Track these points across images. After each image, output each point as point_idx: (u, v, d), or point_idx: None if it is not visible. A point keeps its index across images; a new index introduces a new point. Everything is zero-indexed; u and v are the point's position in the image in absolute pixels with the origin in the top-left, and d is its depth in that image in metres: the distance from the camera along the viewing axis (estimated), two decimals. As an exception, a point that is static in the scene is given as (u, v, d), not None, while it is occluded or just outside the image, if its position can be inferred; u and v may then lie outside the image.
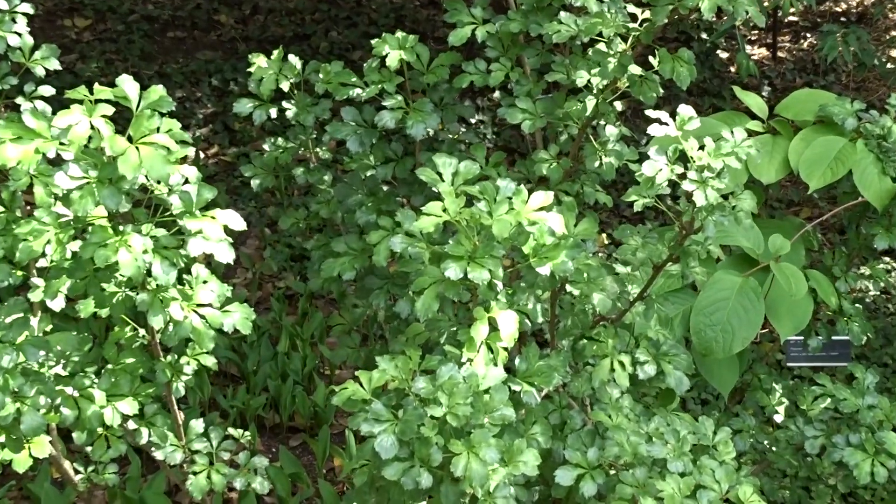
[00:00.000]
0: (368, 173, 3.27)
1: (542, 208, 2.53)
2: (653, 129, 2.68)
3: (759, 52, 8.66)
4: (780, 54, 8.55)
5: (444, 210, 2.47)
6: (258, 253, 6.44)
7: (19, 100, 2.94)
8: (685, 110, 2.70)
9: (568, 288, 2.86)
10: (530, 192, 2.59)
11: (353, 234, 3.20)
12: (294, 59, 3.35)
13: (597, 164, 3.12)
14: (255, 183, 3.38)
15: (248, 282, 6.20)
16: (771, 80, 8.17)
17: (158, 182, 2.49)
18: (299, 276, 6.14)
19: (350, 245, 3.17)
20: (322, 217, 3.42)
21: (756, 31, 8.79)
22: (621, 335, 3.06)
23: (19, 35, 3.02)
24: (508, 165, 5.30)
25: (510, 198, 2.53)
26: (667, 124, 2.67)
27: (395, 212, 2.85)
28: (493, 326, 2.58)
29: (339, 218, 3.43)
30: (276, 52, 3.33)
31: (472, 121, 7.22)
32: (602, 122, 3.13)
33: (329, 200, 3.43)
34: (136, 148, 2.34)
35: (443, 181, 2.53)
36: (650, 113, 2.73)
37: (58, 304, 2.92)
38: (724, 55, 8.37)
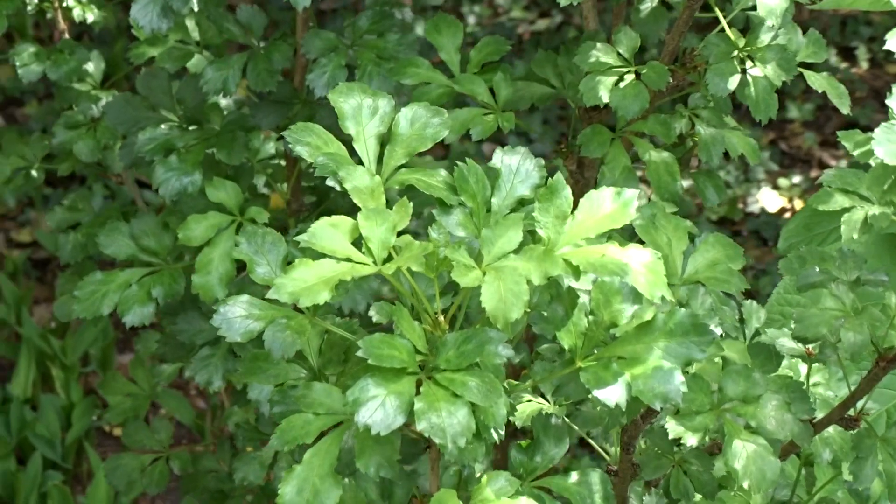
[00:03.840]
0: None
1: (603, 233, 1.28)
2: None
3: None
4: None
5: (363, 243, 1.25)
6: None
7: None
8: None
9: (666, 423, 1.48)
10: (565, 153, 1.55)
11: (150, 213, 2.08)
12: None
13: (733, 80, 1.74)
14: None
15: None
16: None
17: None
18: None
19: (141, 241, 1.99)
20: (76, 166, 2.19)
21: None
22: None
23: None
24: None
25: (527, 201, 1.32)
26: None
27: (248, 167, 1.94)
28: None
29: (115, 166, 2.24)
30: None
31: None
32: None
33: (95, 128, 2.17)
34: None
35: (354, 165, 1.33)
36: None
37: None
38: None
